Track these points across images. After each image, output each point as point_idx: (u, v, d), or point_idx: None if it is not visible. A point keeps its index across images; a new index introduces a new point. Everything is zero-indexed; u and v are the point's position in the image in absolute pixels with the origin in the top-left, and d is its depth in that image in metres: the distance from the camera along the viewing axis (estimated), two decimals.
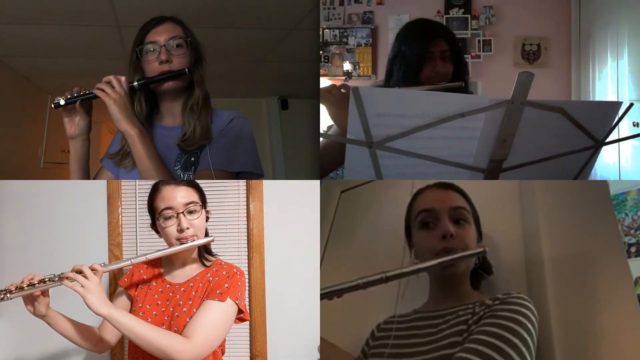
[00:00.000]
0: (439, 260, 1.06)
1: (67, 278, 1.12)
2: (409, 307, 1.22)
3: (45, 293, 1.17)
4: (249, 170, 1.35)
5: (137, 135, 1.23)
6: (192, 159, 1.32)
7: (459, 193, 1.21)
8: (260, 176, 1.39)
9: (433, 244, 1.12)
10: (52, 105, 1.29)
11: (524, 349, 0.90)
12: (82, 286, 1.09)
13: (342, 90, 1.40)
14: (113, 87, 1.25)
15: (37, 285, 1.13)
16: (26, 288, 1.13)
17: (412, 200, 1.25)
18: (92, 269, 1.13)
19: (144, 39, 1.33)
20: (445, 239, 1.11)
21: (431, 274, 1.19)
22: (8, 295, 1.12)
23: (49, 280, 1.14)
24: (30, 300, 1.16)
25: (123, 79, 1.27)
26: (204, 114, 1.35)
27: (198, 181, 1.31)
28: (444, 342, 1.02)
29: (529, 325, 0.95)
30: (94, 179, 1.45)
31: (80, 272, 1.12)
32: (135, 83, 1.30)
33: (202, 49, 1.39)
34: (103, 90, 1.24)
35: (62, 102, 1.28)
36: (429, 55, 1.52)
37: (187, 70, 1.31)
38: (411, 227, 1.22)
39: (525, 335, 0.92)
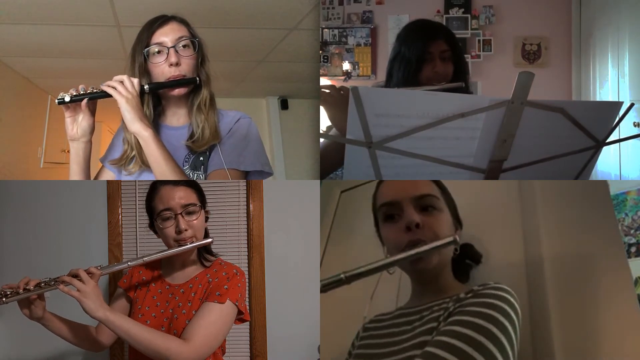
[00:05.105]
0: (397, 257, 0.96)
1: (62, 282, 1.11)
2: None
3: (41, 296, 1.16)
4: (260, 169, 1.33)
5: (151, 137, 1.17)
6: (201, 158, 1.29)
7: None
8: (269, 175, 1.37)
9: (398, 237, 1.02)
10: (56, 102, 1.18)
11: (495, 351, 0.78)
12: (78, 290, 1.09)
13: (341, 92, 1.40)
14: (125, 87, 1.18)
15: (32, 289, 1.12)
16: (22, 292, 1.12)
17: (375, 190, 1.11)
18: (89, 272, 1.12)
19: (150, 39, 1.27)
20: (410, 230, 1.00)
21: (403, 269, 1.08)
22: (3, 299, 1.11)
23: (45, 284, 1.13)
24: (26, 304, 1.15)
25: (136, 80, 1.20)
26: (212, 114, 1.31)
27: (201, 181, 1.30)
28: (414, 341, 0.93)
29: (504, 321, 0.82)
30: (95, 179, 1.42)
31: (76, 275, 1.11)
32: (146, 87, 1.23)
33: (205, 47, 1.35)
34: (115, 88, 1.16)
35: (67, 98, 1.16)
36: (429, 56, 1.52)
37: (197, 79, 1.28)
38: (378, 220, 1.11)
39: (498, 334, 0.79)
